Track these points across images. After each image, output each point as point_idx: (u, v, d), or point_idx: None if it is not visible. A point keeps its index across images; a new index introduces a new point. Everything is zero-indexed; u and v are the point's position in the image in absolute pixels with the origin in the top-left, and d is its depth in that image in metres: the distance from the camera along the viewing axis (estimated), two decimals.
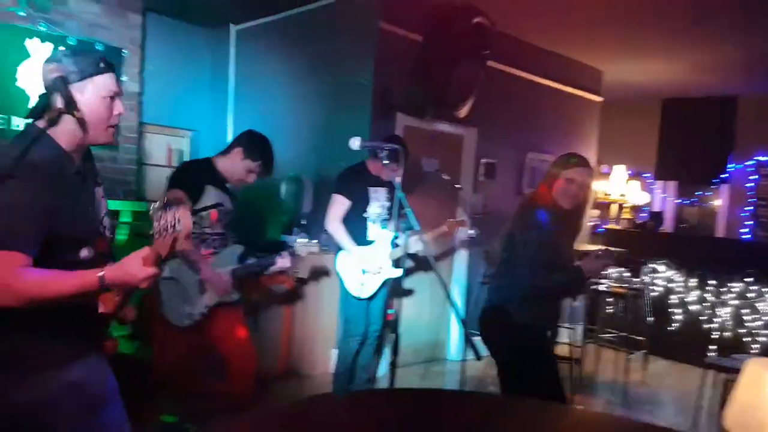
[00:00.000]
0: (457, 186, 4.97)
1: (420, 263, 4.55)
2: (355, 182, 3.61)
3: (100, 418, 1.70)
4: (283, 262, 2.99)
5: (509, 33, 5.24)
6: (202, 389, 3.05)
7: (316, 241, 3.26)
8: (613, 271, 6.09)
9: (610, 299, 5.98)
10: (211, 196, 2.82)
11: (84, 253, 1.65)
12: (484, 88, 4.38)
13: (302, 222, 4.65)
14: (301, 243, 3.06)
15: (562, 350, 5.43)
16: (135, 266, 1.51)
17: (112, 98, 1.67)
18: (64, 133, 1.62)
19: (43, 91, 1.64)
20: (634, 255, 5.61)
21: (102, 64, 1.65)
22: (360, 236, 3.59)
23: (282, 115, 5.16)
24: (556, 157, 2.84)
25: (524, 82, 5.65)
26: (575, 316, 5.26)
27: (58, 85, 1.59)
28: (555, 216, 2.62)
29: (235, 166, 2.91)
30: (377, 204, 3.63)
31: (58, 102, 1.60)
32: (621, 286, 5.47)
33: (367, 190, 3.61)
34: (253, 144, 2.94)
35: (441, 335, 5.30)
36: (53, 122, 1.58)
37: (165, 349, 2.91)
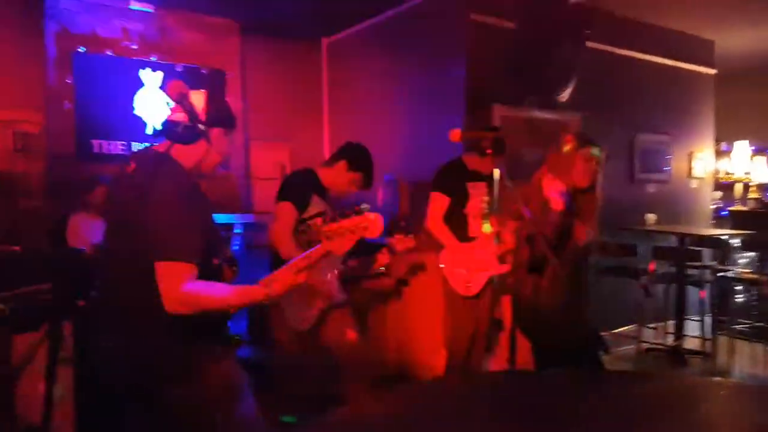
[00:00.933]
0: None
1: None
2: (453, 178, 3.54)
3: (244, 409, 1.84)
4: (382, 259, 3.04)
5: (608, 9, 4.97)
6: (318, 391, 3.11)
7: (412, 235, 3.25)
8: (740, 257, 5.60)
9: (739, 287, 5.49)
10: (316, 204, 2.92)
11: (215, 261, 1.77)
12: (585, 70, 4.19)
13: (401, 224, 4.65)
14: (398, 239, 3.08)
15: (691, 344, 5.06)
16: (289, 277, 1.67)
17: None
18: (188, 153, 1.73)
19: (168, 109, 1.77)
20: (764, 237, 5.13)
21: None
22: (462, 233, 3.53)
23: (375, 119, 5.20)
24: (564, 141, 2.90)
25: (627, 60, 5.34)
26: (702, 307, 4.87)
27: (183, 100, 1.70)
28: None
29: (339, 177, 3.05)
30: (477, 199, 3.55)
31: (184, 118, 1.71)
32: (753, 272, 5.00)
33: (466, 186, 3.52)
34: (357, 157, 3.09)
35: None
36: (182, 138, 1.69)
37: (285, 353, 3.01)
